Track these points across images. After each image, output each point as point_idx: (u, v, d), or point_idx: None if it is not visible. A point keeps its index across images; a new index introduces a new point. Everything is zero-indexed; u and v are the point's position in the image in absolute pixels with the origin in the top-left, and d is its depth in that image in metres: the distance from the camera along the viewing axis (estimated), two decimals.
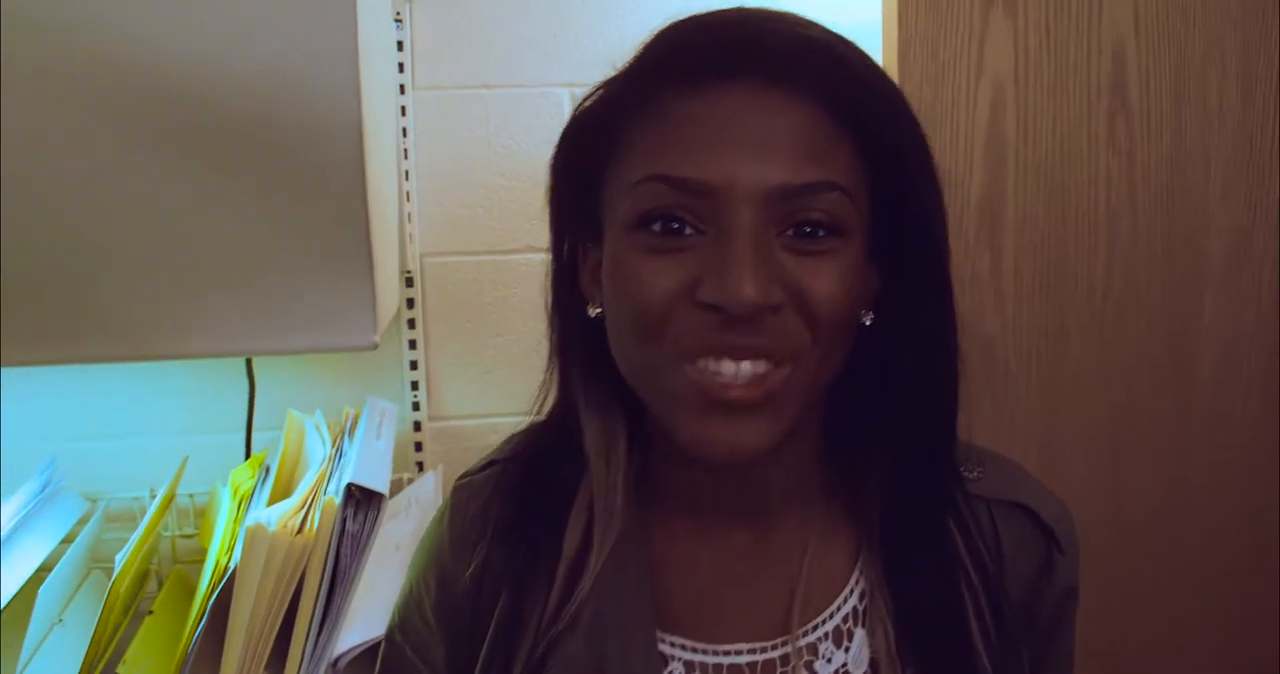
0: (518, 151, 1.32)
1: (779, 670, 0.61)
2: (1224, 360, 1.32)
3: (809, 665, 0.61)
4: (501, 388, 1.35)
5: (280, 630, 0.91)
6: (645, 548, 0.62)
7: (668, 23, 0.58)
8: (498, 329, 1.35)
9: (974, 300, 1.26)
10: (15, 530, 1.03)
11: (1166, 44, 1.25)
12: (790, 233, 0.54)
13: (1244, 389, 1.32)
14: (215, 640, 0.91)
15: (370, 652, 0.91)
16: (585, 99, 0.60)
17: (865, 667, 0.61)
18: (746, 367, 0.53)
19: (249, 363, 1.27)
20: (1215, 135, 1.28)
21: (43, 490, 1.12)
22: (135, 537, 1.04)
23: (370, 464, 1.02)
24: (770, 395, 0.54)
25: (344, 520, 0.94)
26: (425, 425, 1.34)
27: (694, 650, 0.61)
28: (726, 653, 0.61)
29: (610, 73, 0.60)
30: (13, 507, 1.07)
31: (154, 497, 1.15)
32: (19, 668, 0.92)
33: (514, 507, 0.64)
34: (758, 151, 0.53)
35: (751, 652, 0.61)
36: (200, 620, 0.92)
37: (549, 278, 0.64)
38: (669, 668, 0.61)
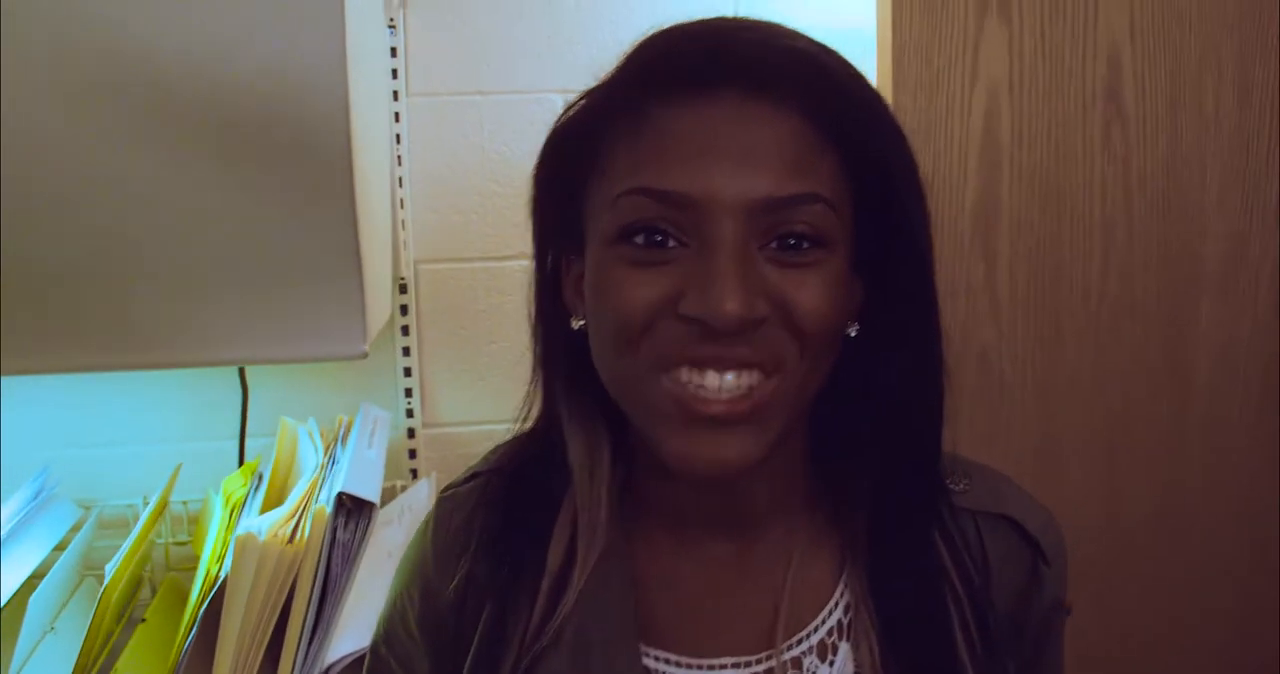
0: (512, 158, 1.31)
1: None
2: (1220, 366, 1.31)
3: None
4: (495, 395, 1.35)
5: (271, 639, 0.91)
6: (629, 562, 0.62)
7: (651, 32, 0.57)
8: (492, 336, 1.34)
9: (969, 306, 1.26)
10: (8, 537, 1.03)
11: (1162, 49, 1.24)
12: (774, 245, 0.53)
13: (1240, 394, 1.32)
14: (206, 649, 0.91)
15: (361, 661, 0.91)
16: (567, 109, 0.60)
17: None
18: (730, 378, 0.53)
19: (242, 371, 1.27)
20: (1211, 140, 1.27)
21: (36, 497, 1.12)
22: (128, 544, 1.03)
23: (362, 472, 1.02)
24: (756, 409, 0.53)
25: (334, 529, 0.94)
26: (419, 432, 1.34)
27: (678, 665, 0.61)
28: (711, 667, 0.61)
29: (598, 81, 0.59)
30: (6, 513, 1.07)
31: (147, 504, 1.15)
32: None
33: (498, 519, 0.64)
34: (741, 164, 0.52)
35: (736, 666, 0.60)
36: (191, 630, 0.91)
37: (532, 289, 0.64)
38: None
